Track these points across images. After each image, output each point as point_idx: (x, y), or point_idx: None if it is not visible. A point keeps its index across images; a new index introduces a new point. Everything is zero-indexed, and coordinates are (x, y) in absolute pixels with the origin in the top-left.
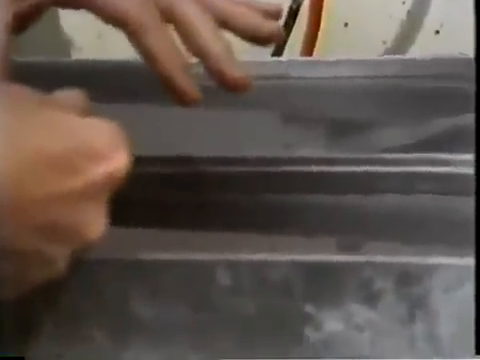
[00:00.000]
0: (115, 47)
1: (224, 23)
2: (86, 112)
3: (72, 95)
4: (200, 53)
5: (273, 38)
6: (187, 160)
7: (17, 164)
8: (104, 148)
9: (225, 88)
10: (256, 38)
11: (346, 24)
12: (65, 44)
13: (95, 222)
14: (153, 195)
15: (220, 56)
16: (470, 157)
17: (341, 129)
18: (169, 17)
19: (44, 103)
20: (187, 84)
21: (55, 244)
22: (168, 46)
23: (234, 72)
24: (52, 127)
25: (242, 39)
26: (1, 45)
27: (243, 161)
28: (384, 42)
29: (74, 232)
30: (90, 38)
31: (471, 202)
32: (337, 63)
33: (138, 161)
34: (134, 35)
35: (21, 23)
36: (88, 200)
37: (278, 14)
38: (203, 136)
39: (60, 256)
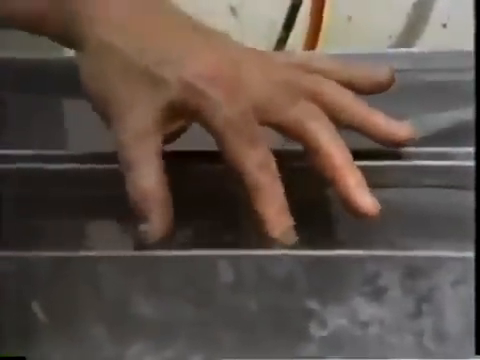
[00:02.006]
0: None
1: (356, 128)
2: None
3: None
4: (331, 180)
5: (402, 141)
6: (185, 155)
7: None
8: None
9: (355, 216)
10: (387, 143)
11: (349, 18)
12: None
13: None
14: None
15: (351, 186)
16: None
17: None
18: (297, 135)
19: None
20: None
21: None
22: (277, 209)
23: (366, 202)
24: None
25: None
26: (156, 171)
27: None
28: (390, 36)
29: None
30: None
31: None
32: (340, 57)
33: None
34: (251, 192)
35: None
36: None
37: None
38: (197, 132)
39: None
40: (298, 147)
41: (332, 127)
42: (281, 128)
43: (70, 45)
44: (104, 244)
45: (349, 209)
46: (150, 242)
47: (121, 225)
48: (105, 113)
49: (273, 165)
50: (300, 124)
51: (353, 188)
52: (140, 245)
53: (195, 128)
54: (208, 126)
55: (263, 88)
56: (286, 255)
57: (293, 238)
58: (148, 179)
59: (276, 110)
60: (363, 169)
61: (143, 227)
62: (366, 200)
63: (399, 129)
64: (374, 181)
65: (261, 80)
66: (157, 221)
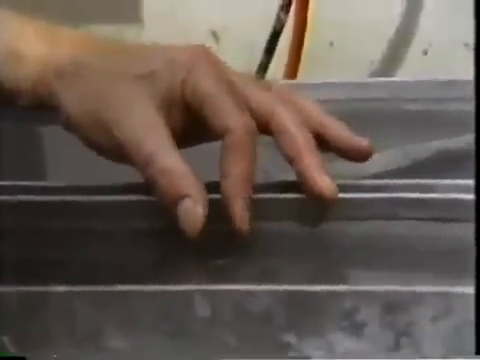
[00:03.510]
0: None
1: (319, 135)
2: None
3: None
4: (293, 160)
5: (364, 154)
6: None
7: None
8: None
9: (312, 195)
10: (347, 152)
11: (331, 43)
12: None
13: None
14: (135, 223)
15: (312, 165)
16: (456, 182)
17: (327, 154)
18: (267, 118)
19: None
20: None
21: None
22: (243, 171)
23: (324, 181)
24: None
25: (336, 153)
26: (178, 155)
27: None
28: (371, 62)
29: None
30: None
31: (456, 229)
32: (321, 86)
33: (119, 189)
34: (228, 149)
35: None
36: None
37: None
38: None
39: None
40: (277, 179)
41: (299, 114)
42: (251, 112)
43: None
44: (80, 278)
45: (307, 188)
46: (197, 218)
47: (95, 259)
48: (107, 133)
49: (256, 133)
50: (270, 107)
51: (313, 168)
52: (188, 227)
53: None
54: (199, 91)
55: (237, 76)
56: (264, 290)
57: (245, 215)
58: (174, 160)
59: (248, 94)
60: (342, 202)
61: (186, 204)
62: (324, 179)
63: (360, 140)
64: (353, 214)
65: (235, 72)
66: (198, 194)
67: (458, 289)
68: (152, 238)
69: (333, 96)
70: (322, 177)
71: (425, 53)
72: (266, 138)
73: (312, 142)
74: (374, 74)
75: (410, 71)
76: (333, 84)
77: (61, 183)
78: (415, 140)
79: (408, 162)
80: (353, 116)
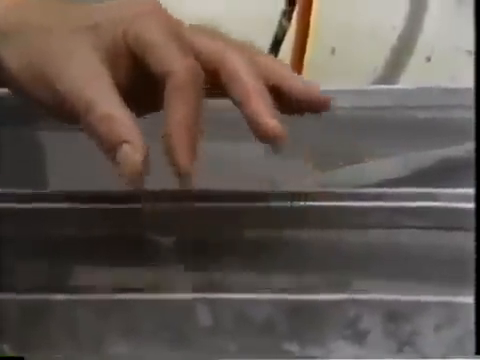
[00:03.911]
0: None
1: (277, 87)
2: None
3: None
4: (242, 104)
5: (323, 104)
6: (171, 195)
7: None
8: None
9: (259, 136)
10: (306, 102)
11: (333, 50)
12: None
13: None
14: (135, 232)
15: (261, 108)
16: (458, 191)
17: (329, 162)
18: (217, 64)
19: None
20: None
21: None
22: (186, 117)
23: (269, 121)
24: None
25: (295, 106)
26: (119, 102)
27: (226, 196)
28: (374, 69)
29: None
30: None
31: (458, 237)
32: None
33: (118, 197)
34: (169, 93)
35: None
36: None
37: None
38: None
39: None
40: (282, 187)
41: (253, 65)
42: (200, 59)
43: None
44: (81, 286)
45: (256, 130)
46: (136, 163)
47: (96, 267)
48: (50, 87)
49: (201, 76)
50: (220, 55)
51: (262, 110)
52: (127, 172)
53: None
54: (141, 39)
55: (189, 28)
56: (266, 299)
57: (189, 162)
58: (113, 107)
59: (196, 42)
60: (348, 210)
61: (125, 149)
62: (273, 121)
63: (316, 89)
64: (355, 222)
65: (189, 26)
66: (137, 140)
67: (460, 299)
68: (151, 245)
69: (335, 103)
70: (271, 119)
71: (428, 60)
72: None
73: (263, 88)
74: (377, 81)
75: (413, 78)
76: (335, 91)
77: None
78: (417, 148)
79: (410, 170)
80: (355, 124)
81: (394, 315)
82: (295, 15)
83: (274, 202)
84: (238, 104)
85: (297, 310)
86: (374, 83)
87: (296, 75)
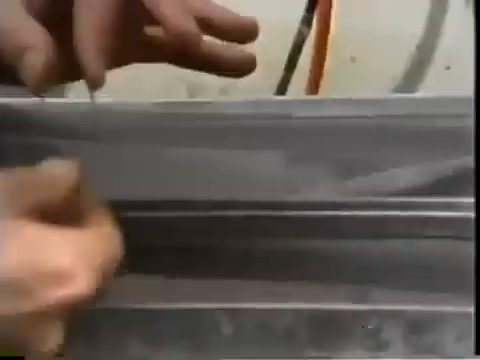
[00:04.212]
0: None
1: (204, 18)
2: (76, 188)
3: (62, 170)
4: (154, 9)
5: (251, 31)
6: (191, 204)
7: None
8: (63, 271)
9: (174, 39)
10: (234, 31)
11: (353, 59)
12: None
13: (51, 337)
14: (153, 241)
15: (174, 10)
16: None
17: (348, 171)
18: None
19: (13, 200)
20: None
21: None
22: (96, 21)
23: (186, 24)
24: (7, 241)
25: (223, 35)
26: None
27: (246, 205)
28: (393, 78)
29: (27, 347)
30: None
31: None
32: (343, 102)
33: (138, 206)
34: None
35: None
36: (41, 319)
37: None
38: (205, 178)
39: None
40: (302, 196)
41: None
42: None
43: None
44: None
45: (170, 33)
46: (36, 64)
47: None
48: None
49: None
50: None
51: (175, 12)
52: (30, 74)
53: None
54: None
55: None
56: (287, 308)
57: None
58: (20, 19)
59: None
60: (369, 219)
61: (28, 54)
62: (187, 22)
63: (246, 18)
64: (375, 232)
65: None
66: (41, 42)
67: None
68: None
69: (354, 113)
70: (185, 20)
71: (448, 68)
72: (291, 152)
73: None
74: (396, 89)
75: (433, 86)
76: (354, 100)
77: None
78: (437, 157)
79: (429, 180)
80: (374, 133)
81: (415, 326)
82: (314, 22)
83: (293, 211)
84: (151, 11)
85: (318, 320)
86: (393, 91)
87: (225, 8)
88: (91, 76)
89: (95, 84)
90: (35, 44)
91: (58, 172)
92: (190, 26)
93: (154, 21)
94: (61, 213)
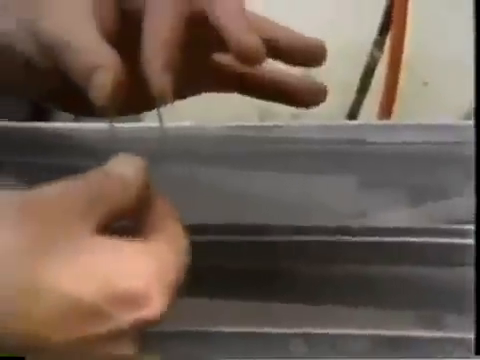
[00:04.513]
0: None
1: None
2: (146, 185)
3: (130, 168)
4: (219, 20)
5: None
6: (261, 228)
7: (37, 308)
8: (138, 294)
9: (238, 55)
10: (302, 52)
11: (426, 83)
12: None
13: (128, 353)
14: (225, 264)
15: (239, 23)
16: None
17: (419, 197)
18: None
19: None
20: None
21: None
22: (166, 33)
23: (249, 38)
24: (81, 258)
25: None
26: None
27: (318, 230)
28: (466, 103)
29: None
30: None
31: None
32: (415, 127)
33: (209, 229)
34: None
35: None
36: (115, 340)
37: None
38: (277, 202)
39: None
40: (373, 221)
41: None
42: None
43: None
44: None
45: (235, 49)
46: (106, 83)
47: (190, 299)
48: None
49: None
50: None
51: (241, 27)
52: (98, 92)
53: None
54: None
55: None
56: (363, 334)
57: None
58: (90, 40)
59: None
60: (441, 246)
61: (97, 73)
62: (253, 38)
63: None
64: (446, 259)
65: None
66: (110, 62)
67: None
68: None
69: (426, 138)
70: (250, 36)
71: None
72: (362, 177)
73: (242, 8)
74: (470, 115)
75: None
76: (426, 126)
77: None
78: None
79: None
80: (446, 160)
81: None
82: (387, 45)
83: (363, 237)
84: (216, 25)
85: (395, 346)
86: (467, 118)
87: (291, 29)
88: (158, 92)
89: (162, 100)
90: (104, 64)
91: (126, 171)
92: (254, 41)
93: (222, 47)
94: (133, 216)
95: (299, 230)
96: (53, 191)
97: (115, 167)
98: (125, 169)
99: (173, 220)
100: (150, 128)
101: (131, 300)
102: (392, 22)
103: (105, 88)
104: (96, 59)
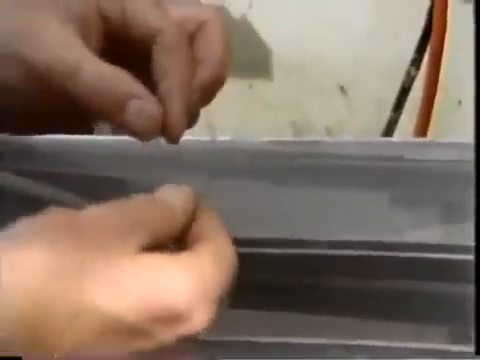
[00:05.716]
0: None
1: None
2: (193, 217)
3: (179, 198)
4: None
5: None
6: (298, 243)
7: (79, 329)
8: (179, 310)
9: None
10: None
11: (460, 102)
12: None
13: None
14: (264, 277)
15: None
16: None
17: (455, 214)
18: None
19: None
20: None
21: None
22: (182, 72)
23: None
24: (120, 285)
25: None
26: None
27: (354, 245)
28: None
29: None
30: None
31: None
32: (450, 146)
33: (248, 243)
34: (161, 52)
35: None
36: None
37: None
38: (312, 216)
39: None
40: (407, 238)
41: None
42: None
43: None
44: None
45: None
46: (152, 115)
47: (231, 310)
48: (21, 61)
49: (186, 36)
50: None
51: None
52: (143, 125)
53: None
54: (118, 3)
55: None
56: (398, 347)
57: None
58: (106, 66)
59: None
60: (469, 263)
61: (136, 104)
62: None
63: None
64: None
65: None
66: (146, 93)
67: None
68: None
69: (461, 157)
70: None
71: None
72: (396, 194)
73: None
74: None
75: None
76: (462, 144)
77: None
78: None
79: None
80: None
81: None
82: (423, 66)
83: (400, 252)
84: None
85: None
86: None
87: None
88: (170, 134)
89: (172, 141)
90: (141, 94)
91: (175, 201)
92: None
93: None
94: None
95: (335, 244)
96: (97, 213)
97: (164, 195)
98: (174, 198)
99: (220, 232)
100: (195, 141)
101: (172, 317)
102: (430, 41)
103: (151, 118)
104: (128, 88)
